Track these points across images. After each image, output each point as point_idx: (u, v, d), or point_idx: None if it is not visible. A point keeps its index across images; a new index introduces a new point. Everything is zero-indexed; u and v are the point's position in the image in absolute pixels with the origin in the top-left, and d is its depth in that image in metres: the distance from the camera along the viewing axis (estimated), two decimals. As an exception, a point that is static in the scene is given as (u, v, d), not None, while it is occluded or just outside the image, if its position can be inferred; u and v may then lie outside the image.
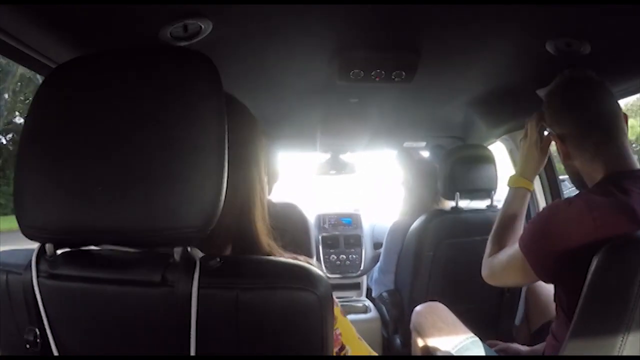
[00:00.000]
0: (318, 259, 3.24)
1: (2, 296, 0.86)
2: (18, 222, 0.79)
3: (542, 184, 2.71)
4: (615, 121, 1.47)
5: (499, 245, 1.65)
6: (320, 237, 3.37)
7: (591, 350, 1.15)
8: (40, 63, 1.35)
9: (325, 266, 3.25)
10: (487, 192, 2.44)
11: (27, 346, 0.82)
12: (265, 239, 1.00)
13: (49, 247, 0.82)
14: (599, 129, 1.46)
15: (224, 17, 1.35)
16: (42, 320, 0.82)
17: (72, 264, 0.82)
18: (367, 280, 3.35)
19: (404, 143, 3.32)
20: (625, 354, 1.08)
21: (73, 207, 0.76)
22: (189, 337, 0.75)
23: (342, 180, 3.81)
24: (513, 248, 1.52)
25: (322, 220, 3.49)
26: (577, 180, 1.57)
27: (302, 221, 2.21)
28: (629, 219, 1.25)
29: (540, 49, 1.62)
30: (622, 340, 1.07)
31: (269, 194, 2.24)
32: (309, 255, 1.89)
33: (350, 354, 0.99)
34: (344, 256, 3.33)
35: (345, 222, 3.50)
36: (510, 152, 2.86)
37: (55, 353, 0.82)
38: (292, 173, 4.01)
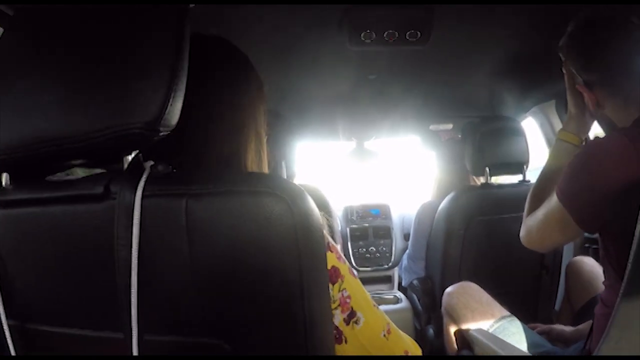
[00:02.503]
0: (346, 252, 3.15)
1: None
2: None
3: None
4: None
5: (539, 202, 1.50)
6: (348, 230, 3.28)
7: None
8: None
9: (354, 259, 3.16)
10: (518, 166, 2.29)
11: None
12: None
13: (4, 176, 0.75)
14: (632, 72, 1.33)
15: None
16: None
17: (24, 189, 0.75)
18: (399, 271, 3.24)
19: (429, 126, 3.19)
20: None
21: (24, 123, 0.69)
22: (130, 260, 0.65)
23: (369, 171, 3.70)
24: (551, 200, 1.38)
25: (349, 212, 3.40)
26: (611, 130, 1.42)
27: (320, 199, 2.10)
28: None
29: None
30: None
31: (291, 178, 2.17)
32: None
33: (362, 322, 0.85)
34: (374, 248, 3.23)
35: (374, 213, 3.41)
36: (542, 126, 2.72)
37: None
38: (317, 165, 3.93)
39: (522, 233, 1.53)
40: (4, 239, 0.76)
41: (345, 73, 2.24)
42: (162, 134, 0.67)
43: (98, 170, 0.74)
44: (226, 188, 0.66)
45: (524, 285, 2.24)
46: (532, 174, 2.43)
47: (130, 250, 0.65)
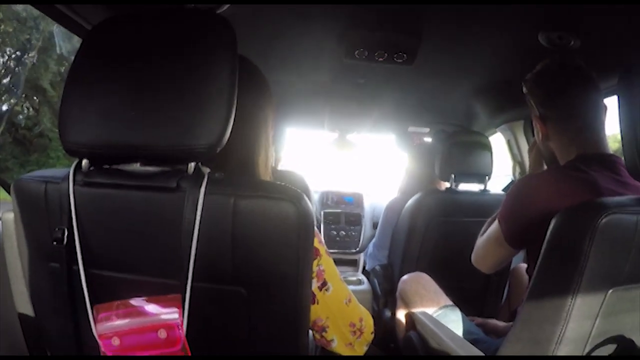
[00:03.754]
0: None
1: (40, 202, 1.03)
2: (62, 141, 0.98)
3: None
4: (597, 112, 1.55)
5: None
6: (322, 213, 3.53)
7: (542, 311, 1.26)
8: (75, 22, 1.53)
9: (325, 241, 3.30)
10: (481, 176, 2.53)
11: (54, 243, 0.99)
12: (266, 179, 1.19)
13: (85, 162, 0.99)
14: (581, 118, 1.54)
15: None
16: (71, 220, 0.98)
17: (103, 175, 0.99)
18: (364, 257, 3.46)
19: (408, 127, 3.44)
20: (572, 314, 1.19)
21: (108, 128, 0.94)
22: (192, 233, 0.92)
23: (347, 160, 3.93)
24: (493, 224, 1.64)
25: (325, 197, 3.64)
26: (551, 160, 1.66)
27: (303, 186, 2.34)
28: (592, 192, 1.36)
29: (533, 40, 1.73)
30: (571, 301, 1.18)
31: (276, 164, 2.37)
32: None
33: (331, 290, 1.13)
34: (344, 232, 3.49)
35: (348, 200, 3.65)
36: (508, 142, 2.97)
37: (78, 247, 0.99)
38: (300, 150, 4.17)
39: (472, 256, 1.78)
40: (86, 209, 1.00)
41: (338, 77, 2.48)
42: (217, 150, 0.94)
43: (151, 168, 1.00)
44: (259, 193, 0.95)
45: (474, 282, 2.44)
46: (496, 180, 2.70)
47: (193, 226, 0.92)
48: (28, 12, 10.83)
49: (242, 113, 1.02)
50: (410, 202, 2.54)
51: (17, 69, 12.20)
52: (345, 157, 3.77)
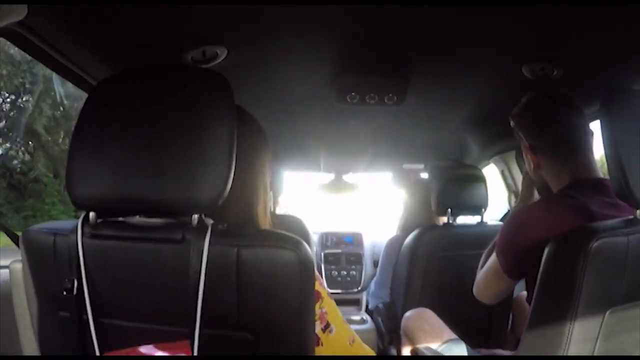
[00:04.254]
0: (319, 275, 3.34)
1: (49, 253, 1.06)
2: (69, 195, 1.01)
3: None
4: (584, 137, 1.59)
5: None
6: (322, 254, 3.53)
7: (543, 338, 1.28)
8: (81, 77, 1.59)
9: (326, 281, 3.37)
10: (477, 209, 2.56)
11: (64, 293, 1.01)
12: (266, 227, 1.22)
13: (92, 215, 1.02)
14: (569, 144, 1.58)
15: (236, 44, 1.58)
16: (80, 271, 1.01)
17: (110, 227, 1.03)
18: (366, 295, 3.45)
19: (403, 165, 3.48)
20: (573, 338, 1.21)
21: (114, 182, 0.98)
22: (199, 283, 0.95)
23: (345, 201, 3.96)
24: (491, 257, 1.66)
25: (325, 238, 3.64)
26: (543, 188, 1.70)
27: (302, 230, 2.37)
28: (584, 217, 1.38)
29: (518, 73, 1.77)
30: (570, 326, 1.20)
31: (273, 208, 2.40)
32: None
33: (335, 332, 1.15)
34: (345, 272, 3.47)
35: (347, 240, 3.65)
36: (502, 173, 3.02)
37: (87, 298, 1.01)
38: (298, 193, 4.19)
39: (474, 289, 1.79)
40: (94, 260, 1.02)
41: (330, 120, 2.53)
42: (219, 203, 0.97)
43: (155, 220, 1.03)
44: (261, 242, 0.99)
45: (478, 314, 2.40)
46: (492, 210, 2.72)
47: (199, 277, 0.95)
48: (22, 56, 10.89)
49: (240, 162, 1.04)
50: (409, 238, 2.55)
51: (12, 113, 12.22)
52: (342, 198, 3.80)
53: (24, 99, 12.45)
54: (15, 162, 12.79)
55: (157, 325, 1.04)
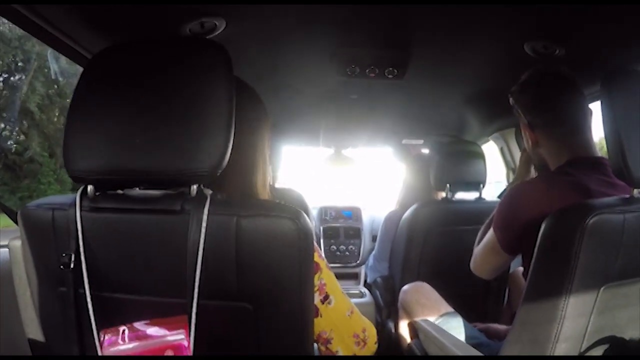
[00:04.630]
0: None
1: (48, 228, 1.06)
2: (67, 168, 1.01)
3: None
4: (582, 115, 1.60)
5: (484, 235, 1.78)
6: (321, 228, 3.55)
7: (538, 312, 1.30)
8: (76, 51, 1.59)
9: (325, 256, 3.31)
10: (476, 184, 2.57)
11: (61, 267, 1.02)
12: (265, 198, 1.23)
13: (90, 188, 1.02)
14: (568, 122, 1.59)
15: (235, 16, 1.57)
16: (78, 245, 1.02)
17: (109, 200, 1.04)
18: (365, 269, 3.47)
19: (402, 140, 3.49)
20: (567, 313, 1.23)
21: (113, 155, 0.98)
22: (197, 253, 0.96)
23: (344, 175, 3.96)
24: (488, 232, 1.68)
25: (324, 212, 3.66)
26: (541, 166, 1.71)
27: (301, 204, 2.38)
28: (582, 195, 1.40)
29: (519, 50, 1.77)
30: (564, 300, 1.22)
31: (273, 183, 2.41)
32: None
33: (334, 303, 1.17)
34: (344, 247, 3.51)
35: (346, 214, 3.67)
36: (501, 150, 3.02)
37: (85, 272, 1.02)
38: (297, 167, 4.21)
39: (471, 264, 1.81)
40: (92, 233, 1.03)
41: (331, 94, 2.53)
42: (218, 173, 0.98)
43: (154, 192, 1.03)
44: (260, 212, 0.99)
45: (474, 289, 2.46)
46: (491, 186, 2.73)
47: (198, 246, 0.96)
48: (13, 32, 10.72)
49: (239, 135, 1.05)
50: (407, 213, 2.57)
51: (4, 92, 12.10)
52: (342, 172, 3.80)
53: (16, 77, 12.35)
54: (9, 142, 12.66)
55: (157, 298, 1.05)
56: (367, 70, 2.01)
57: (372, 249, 3.31)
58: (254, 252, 0.99)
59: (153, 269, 1.04)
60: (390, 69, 1.99)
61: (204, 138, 0.97)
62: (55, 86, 12.23)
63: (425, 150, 3.49)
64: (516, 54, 1.81)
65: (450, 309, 2.04)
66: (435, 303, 2.08)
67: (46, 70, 11.38)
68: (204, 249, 0.96)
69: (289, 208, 1.02)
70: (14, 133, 12.92)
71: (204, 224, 0.96)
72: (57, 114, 12.59)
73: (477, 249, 1.77)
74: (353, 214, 3.68)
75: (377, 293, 2.93)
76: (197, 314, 0.97)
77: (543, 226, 1.30)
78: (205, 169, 0.96)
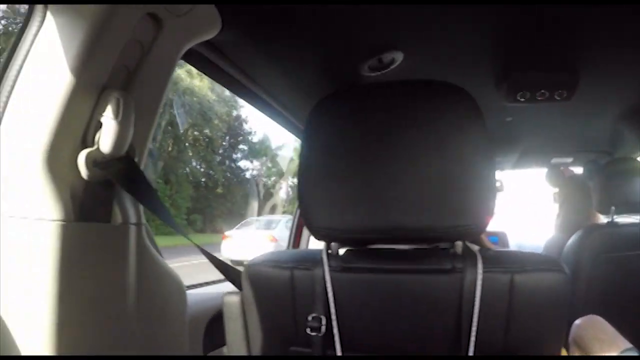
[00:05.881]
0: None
1: (284, 289, 1.05)
2: (307, 226, 1.01)
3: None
4: None
5: None
6: None
7: None
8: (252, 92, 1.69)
9: None
10: None
11: (309, 331, 1.01)
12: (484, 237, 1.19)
13: (334, 245, 1.02)
14: None
15: (412, 47, 1.55)
16: (329, 308, 1.00)
17: (361, 259, 1.02)
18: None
19: (551, 160, 3.32)
20: None
21: (364, 211, 0.96)
22: (472, 315, 0.93)
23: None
24: None
25: None
26: None
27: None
28: None
29: None
30: None
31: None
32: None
33: None
34: None
35: (493, 240, 3.51)
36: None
37: (337, 336, 1.00)
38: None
39: None
40: (342, 294, 1.01)
41: (486, 117, 2.43)
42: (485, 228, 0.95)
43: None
44: (534, 267, 0.96)
45: None
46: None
47: (473, 305, 0.93)
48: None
49: None
50: (572, 240, 2.42)
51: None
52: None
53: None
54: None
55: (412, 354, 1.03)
56: (537, 95, 1.92)
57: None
58: (526, 307, 0.95)
59: (414, 330, 1.01)
60: (560, 91, 1.89)
61: (469, 192, 0.93)
62: (167, 117, 12.99)
63: (577, 170, 3.30)
64: None
65: (629, 344, 1.88)
66: (613, 338, 1.92)
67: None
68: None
69: (552, 259, 1.00)
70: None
71: (479, 282, 0.94)
72: (170, 144, 13.40)
73: None
74: (499, 240, 3.55)
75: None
76: None
77: None
78: (472, 225, 0.93)
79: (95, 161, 0.99)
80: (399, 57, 1.57)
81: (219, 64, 1.42)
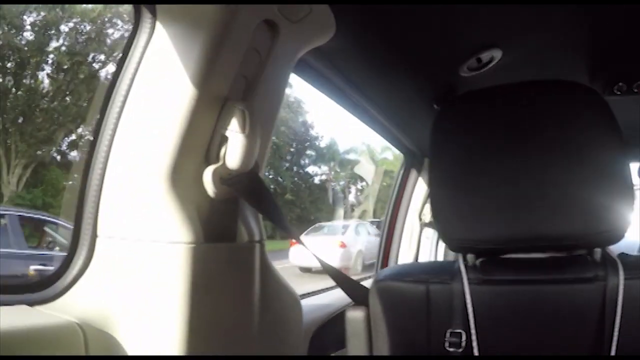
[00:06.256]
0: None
1: (419, 304, 1.02)
2: (442, 237, 0.99)
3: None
4: None
5: None
6: None
7: None
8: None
9: None
10: None
11: (447, 347, 0.98)
12: None
13: (470, 257, 0.99)
14: None
15: (510, 44, 1.50)
16: (468, 323, 0.97)
17: (499, 270, 0.99)
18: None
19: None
20: None
21: (497, 222, 0.94)
22: (614, 323, 0.89)
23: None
24: None
25: None
26: None
27: None
28: None
29: None
30: None
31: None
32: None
33: None
34: None
35: None
36: None
37: (476, 352, 0.97)
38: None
39: None
40: (482, 307, 0.98)
41: None
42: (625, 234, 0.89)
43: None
44: None
45: None
46: None
47: (615, 314, 0.89)
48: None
49: None
50: None
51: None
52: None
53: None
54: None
55: None
56: (634, 87, 1.82)
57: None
58: None
59: (554, 342, 0.97)
60: None
61: (608, 196, 0.89)
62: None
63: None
64: None
65: None
66: None
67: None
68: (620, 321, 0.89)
69: None
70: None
71: (620, 289, 0.89)
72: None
73: None
74: None
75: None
76: None
77: None
78: (613, 231, 0.90)
79: (221, 178, 0.96)
80: (497, 54, 1.53)
81: (324, 72, 1.39)
